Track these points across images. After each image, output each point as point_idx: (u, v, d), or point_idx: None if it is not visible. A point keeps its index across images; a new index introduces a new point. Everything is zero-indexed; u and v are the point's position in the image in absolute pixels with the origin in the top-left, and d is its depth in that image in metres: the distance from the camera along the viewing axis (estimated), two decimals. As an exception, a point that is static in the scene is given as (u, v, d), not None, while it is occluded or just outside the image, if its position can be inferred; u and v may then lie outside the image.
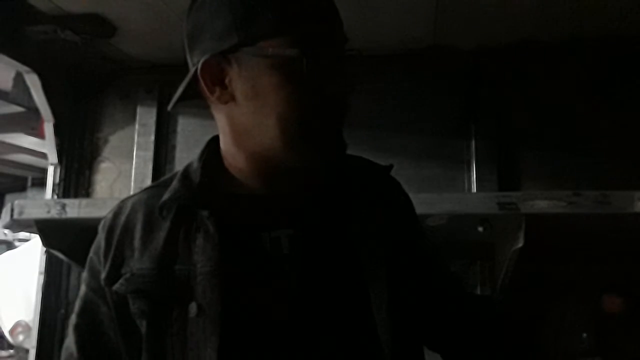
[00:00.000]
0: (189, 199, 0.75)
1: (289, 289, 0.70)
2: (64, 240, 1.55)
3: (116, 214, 0.81)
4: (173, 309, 0.71)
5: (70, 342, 0.80)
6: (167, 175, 0.82)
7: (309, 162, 0.73)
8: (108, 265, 0.77)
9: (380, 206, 0.77)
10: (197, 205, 0.73)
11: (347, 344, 0.69)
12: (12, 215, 1.46)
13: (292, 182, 0.75)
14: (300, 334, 0.68)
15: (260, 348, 0.69)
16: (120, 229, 0.78)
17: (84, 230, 1.56)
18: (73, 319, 0.81)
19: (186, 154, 1.83)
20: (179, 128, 1.85)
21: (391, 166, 0.84)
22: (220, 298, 0.68)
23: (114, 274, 0.76)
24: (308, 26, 0.69)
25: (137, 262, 0.75)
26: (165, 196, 0.76)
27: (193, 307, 0.69)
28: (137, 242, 0.76)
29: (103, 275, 0.77)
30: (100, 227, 0.81)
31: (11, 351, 4.97)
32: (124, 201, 0.82)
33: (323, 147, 0.72)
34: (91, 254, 0.81)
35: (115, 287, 0.75)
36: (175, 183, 0.77)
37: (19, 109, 3.71)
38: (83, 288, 0.81)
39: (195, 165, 0.79)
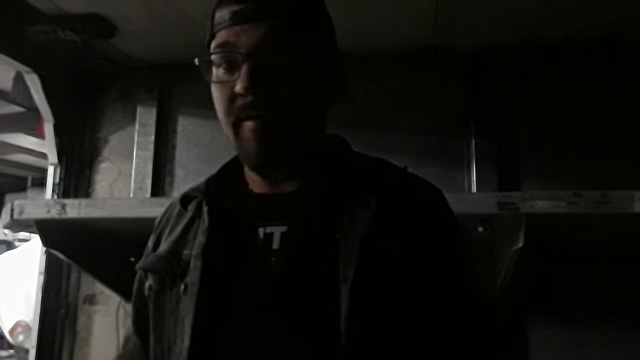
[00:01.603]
0: (201, 193, 0.82)
1: (267, 281, 0.72)
2: (64, 240, 1.55)
3: (168, 207, 0.92)
4: (173, 287, 0.78)
5: (131, 316, 0.92)
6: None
7: (258, 167, 0.76)
8: (150, 250, 0.87)
9: (378, 211, 0.74)
10: (204, 199, 0.81)
11: (310, 340, 0.70)
12: (12, 215, 1.45)
13: (289, 183, 0.79)
14: (266, 325, 0.71)
15: (231, 331, 0.73)
16: (164, 219, 0.89)
17: (84, 230, 1.57)
18: (133, 298, 0.91)
19: (186, 154, 1.83)
20: (179, 128, 1.85)
21: (404, 168, 0.84)
22: (200, 278, 0.74)
23: None
24: (220, 33, 0.74)
25: (161, 246, 0.84)
26: (187, 190, 0.85)
27: (182, 286, 0.76)
28: (168, 230, 0.86)
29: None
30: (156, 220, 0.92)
31: (11, 351, 4.97)
32: (176, 197, 0.91)
33: (252, 150, 0.74)
34: (149, 242, 0.91)
35: (137, 264, 0.86)
36: (202, 180, 0.85)
37: (19, 109, 3.71)
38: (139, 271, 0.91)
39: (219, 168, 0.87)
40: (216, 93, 0.75)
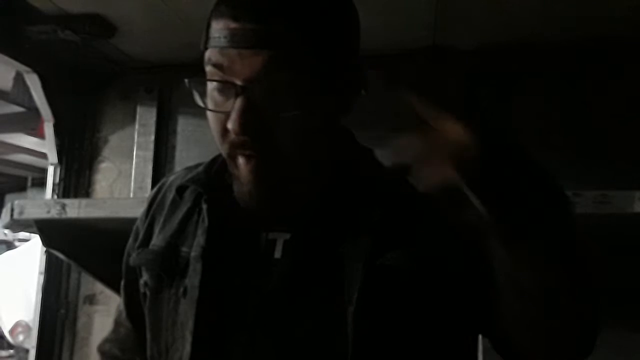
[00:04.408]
0: (201, 186, 0.76)
1: (268, 294, 0.70)
2: (64, 240, 1.55)
3: (158, 188, 0.86)
4: (171, 287, 0.74)
5: (121, 301, 0.90)
6: (209, 160, 0.83)
7: (250, 207, 0.70)
8: (141, 235, 0.83)
9: (384, 220, 0.69)
10: (205, 193, 0.76)
11: (312, 353, 0.68)
12: (12, 215, 1.45)
13: (293, 190, 0.74)
14: (266, 335, 0.69)
15: (231, 341, 0.70)
16: (156, 203, 0.84)
17: (84, 230, 1.57)
18: (122, 280, 0.88)
19: (186, 154, 1.83)
20: (179, 128, 1.85)
21: None
22: (199, 283, 0.71)
23: (144, 245, 0.82)
24: (214, 51, 0.65)
25: (155, 239, 0.79)
26: (185, 178, 0.80)
27: (181, 289, 0.73)
28: (162, 219, 0.81)
29: (137, 245, 0.83)
30: (146, 200, 0.87)
31: (11, 351, 4.97)
32: (167, 177, 0.87)
33: (246, 189, 0.68)
34: (137, 222, 0.87)
35: (130, 258, 0.82)
36: (200, 168, 0.80)
37: (19, 109, 3.72)
38: (127, 252, 0.87)
39: (222, 157, 0.79)
40: (210, 116, 0.69)
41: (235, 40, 0.62)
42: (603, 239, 1.49)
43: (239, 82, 0.63)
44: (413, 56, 1.73)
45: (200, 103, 0.69)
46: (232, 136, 0.65)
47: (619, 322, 1.55)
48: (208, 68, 0.66)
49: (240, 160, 0.67)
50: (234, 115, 0.63)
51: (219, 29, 0.64)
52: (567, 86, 1.68)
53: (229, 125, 0.64)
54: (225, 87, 0.65)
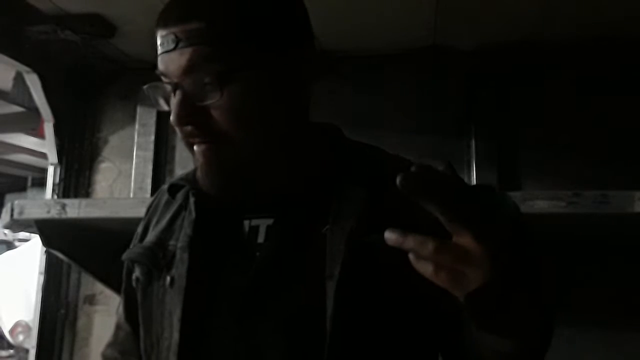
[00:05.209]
0: (189, 183, 0.80)
1: (251, 277, 0.72)
2: (64, 240, 1.55)
3: (157, 194, 0.91)
4: (160, 279, 0.78)
5: (120, 304, 0.92)
6: None
7: (209, 190, 0.74)
8: (138, 238, 0.87)
9: (368, 202, 0.71)
10: (192, 188, 0.79)
11: (295, 338, 0.69)
12: (12, 215, 1.45)
13: (275, 175, 0.77)
14: (251, 321, 0.71)
15: (218, 326, 0.73)
16: (153, 207, 0.89)
17: (84, 230, 1.57)
18: (122, 284, 0.90)
19: (186, 154, 1.81)
20: (179, 128, 1.85)
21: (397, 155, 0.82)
22: (186, 272, 0.74)
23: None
24: (158, 59, 0.72)
25: (149, 236, 0.84)
26: (175, 179, 0.84)
27: (168, 279, 0.76)
28: (155, 220, 0.86)
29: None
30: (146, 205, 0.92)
31: (11, 351, 4.98)
32: (165, 185, 0.90)
33: (203, 174, 0.73)
34: (137, 228, 0.90)
35: (123, 255, 0.85)
36: (191, 169, 0.84)
37: (19, 109, 3.71)
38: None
39: None
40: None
41: (164, 45, 0.70)
42: (603, 239, 1.50)
43: (174, 81, 0.70)
44: (413, 56, 1.73)
45: (156, 105, 0.75)
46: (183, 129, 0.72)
47: (618, 322, 1.55)
48: (156, 79, 0.73)
49: (195, 148, 0.72)
50: (172, 109, 0.70)
51: (157, 38, 0.71)
52: (567, 86, 1.68)
53: (171, 118, 0.71)
54: (171, 89, 0.71)
